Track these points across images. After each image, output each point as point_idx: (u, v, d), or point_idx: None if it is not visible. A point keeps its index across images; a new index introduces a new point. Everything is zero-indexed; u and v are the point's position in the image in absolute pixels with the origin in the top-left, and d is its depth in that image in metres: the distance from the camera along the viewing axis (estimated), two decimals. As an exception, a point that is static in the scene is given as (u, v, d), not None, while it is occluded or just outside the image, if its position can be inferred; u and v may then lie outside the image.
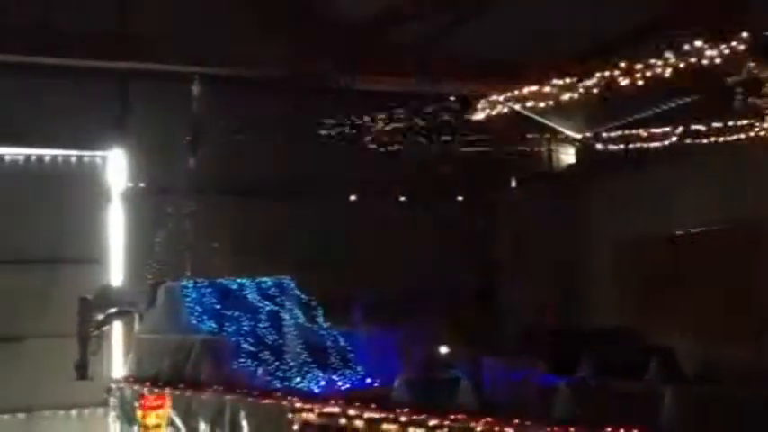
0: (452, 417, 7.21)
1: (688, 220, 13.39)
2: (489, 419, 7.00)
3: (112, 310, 11.90)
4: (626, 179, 14.31)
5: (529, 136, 13.48)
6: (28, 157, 14.07)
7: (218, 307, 10.61)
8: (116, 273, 14.17)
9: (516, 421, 6.79)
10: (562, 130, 14.95)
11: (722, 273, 12.53)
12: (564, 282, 15.46)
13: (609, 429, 6.18)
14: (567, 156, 17.14)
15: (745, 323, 12.17)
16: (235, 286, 11.06)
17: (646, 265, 14.02)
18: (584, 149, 15.95)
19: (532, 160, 16.85)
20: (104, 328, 12.17)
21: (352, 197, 16.10)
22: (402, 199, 16.34)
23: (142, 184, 14.62)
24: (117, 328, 13.53)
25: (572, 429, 6.41)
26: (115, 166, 14.52)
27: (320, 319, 10.90)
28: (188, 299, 10.61)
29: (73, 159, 14.33)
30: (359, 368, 10.12)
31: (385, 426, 7.59)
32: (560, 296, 15.05)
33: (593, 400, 7.53)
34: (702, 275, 12.78)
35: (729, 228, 12.61)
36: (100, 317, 11.78)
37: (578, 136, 16.11)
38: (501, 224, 16.82)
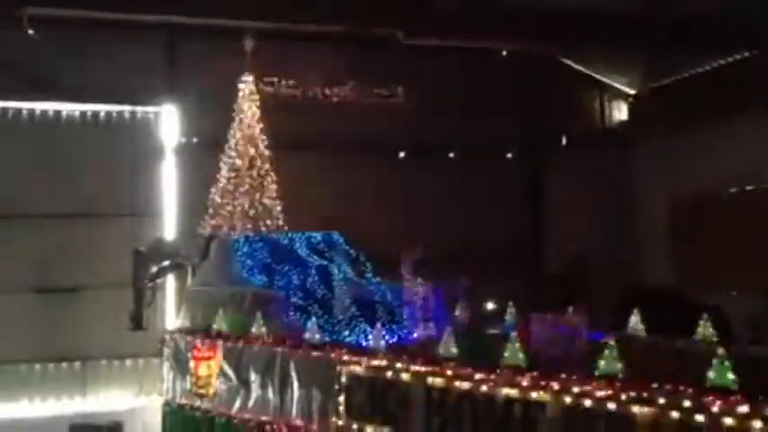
0: (498, 371, 7.27)
1: (740, 178, 13.11)
2: (535, 374, 7.04)
3: (166, 262, 12.15)
4: (678, 136, 14.04)
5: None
6: (83, 113, 14.33)
7: (269, 261, 10.77)
8: (169, 227, 14.46)
9: (562, 376, 6.81)
10: (615, 85, 14.69)
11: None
12: (616, 239, 15.32)
13: (655, 385, 6.18)
14: (620, 113, 16.88)
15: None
16: (285, 241, 11.21)
17: (698, 223, 13.80)
18: (636, 105, 15.69)
19: (585, 117, 16.65)
20: (158, 281, 12.43)
21: (402, 154, 16.14)
22: (451, 155, 16.31)
23: (195, 139, 14.83)
24: (170, 281, 13.86)
25: (618, 385, 6.41)
26: (168, 121, 14.72)
27: (369, 274, 10.99)
28: (239, 253, 10.79)
29: (126, 115, 14.57)
30: (406, 323, 10.20)
31: (431, 379, 7.67)
32: (612, 254, 14.93)
33: (639, 357, 7.51)
34: (756, 234, 12.55)
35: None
36: (154, 269, 12.04)
37: (631, 92, 15.85)
38: (552, 180, 16.67)
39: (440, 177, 15.85)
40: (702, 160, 13.63)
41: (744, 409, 5.66)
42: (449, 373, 7.55)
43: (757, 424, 5.55)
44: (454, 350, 7.85)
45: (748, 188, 13.04)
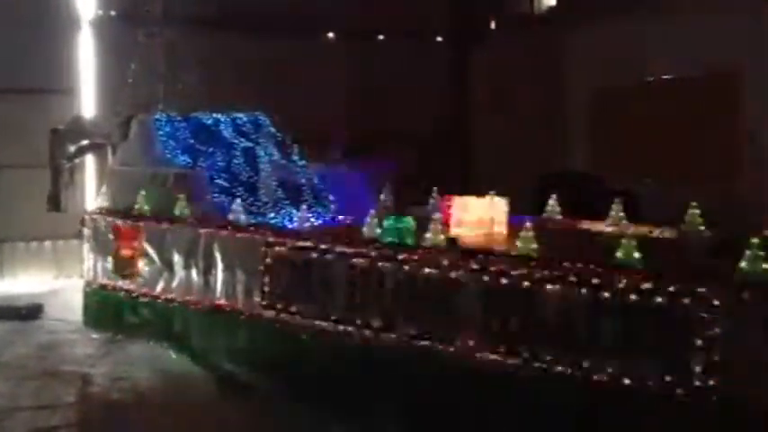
0: (421, 251, 7.46)
1: (663, 68, 13.34)
2: (455, 255, 7.26)
3: (85, 142, 11.83)
4: (605, 25, 14.11)
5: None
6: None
7: (192, 141, 10.60)
8: (88, 104, 13.98)
9: (481, 256, 7.05)
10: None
11: (693, 120, 12.69)
12: (538, 125, 15.52)
13: (567, 264, 6.46)
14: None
15: (711, 170, 12.45)
16: (209, 121, 11.02)
17: (618, 111, 14.09)
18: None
19: (514, 1, 16.51)
20: (77, 161, 12.13)
21: (330, 35, 15.82)
22: (381, 38, 16.07)
23: (113, 12, 14.18)
24: (90, 161, 13.54)
25: (533, 263, 6.68)
26: (84, -7, 14.01)
27: (295, 157, 10.95)
28: (161, 132, 10.58)
29: (40, -15, 13.76)
30: (332, 206, 10.29)
31: (355, 260, 7.83)
32: (534, 140, 15.16)
33: (555, 239, 7.81)
34: (673, 123, 12.93)
35: (702, 75, 12.64)
36: (72, 149, 11.72)
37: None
38: (479, 64, 16.65)
39: (368, 60, 15.65)
40: (625, 49, 13.75)
41: (647, 285, 5.99)
42: (372, 254, 7.71)
43: (659, 299, 5.90)
44: (378, 231, 8.01)
45: (666, 77, 13.31)
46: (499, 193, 8.95)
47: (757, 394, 5.37)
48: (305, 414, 7.65)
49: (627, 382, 6.03)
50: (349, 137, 13.34)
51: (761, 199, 11.21)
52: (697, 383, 5.61)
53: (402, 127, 14.74)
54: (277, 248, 8.45)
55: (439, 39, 16.52)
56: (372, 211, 8.34)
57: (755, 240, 5.85)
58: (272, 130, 11.26)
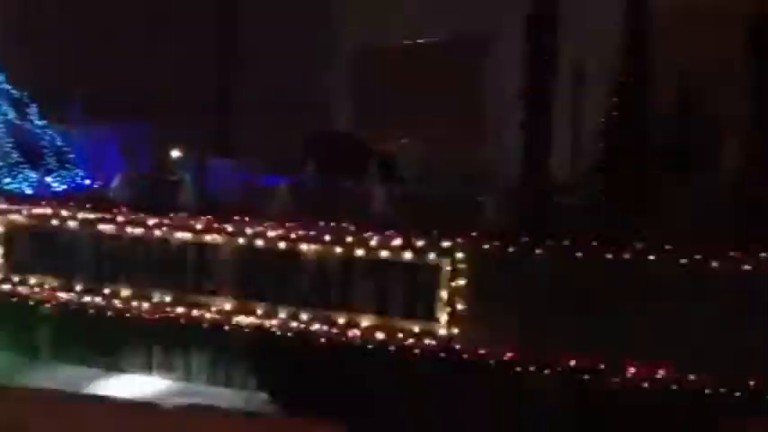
0: (172, 215, 7.13)
1: (418, 30, 13.74)
2: (209, 217, 7.02)
3: None
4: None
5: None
6: None
7: None
8: None
9: (236, 218, 6.86)
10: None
11: (447, 82, 13.21)
12: (298, 88, 15.41)
13: (322, 223, 6.46)
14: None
15: (464, 130, 13.08)
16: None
17: (378, 73, 14.36)
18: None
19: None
20: None
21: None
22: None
23: None
24: None
25: (288, 225, 6.61)
26: None
27: (33, 117, 10.02)
28: None
29: None
30: (77, 169, 9.56)
31: (101, 226, 7.34)
32: (294, 104, 15.04)
33: (309, 199, 7.78)
34: (428, 84, 13.39)
35: (453, 39, 13.18)
36: None
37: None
38: (246, 19, 16.04)
39: (121, 11, 14.53)
40: (386, 12, 13.98)
41: (398, 242, 6.13)
42: (120, 219, 7.27)
43: (408, 254, 6.07)
44: (126, 195, 7.56)
45: (421, 41, 13.74)
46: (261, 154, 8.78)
47: (496, 341, 5.67)
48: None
49: (380, 336, 6.16)
50: (98, 94, 12.37)
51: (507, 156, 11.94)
52: (442, 333, 5.84)
53: (161, 85, 13.94)
54: (12, 216, 7.71)
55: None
56: (122, 174, 7.85)
57: (493, 198, 6.16)
58: (7, 87, 10.22)
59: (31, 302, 7.56)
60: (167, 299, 7.06)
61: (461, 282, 5.82)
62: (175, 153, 11.24)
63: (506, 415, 5.56)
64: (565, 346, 5.37)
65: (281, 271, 6.60)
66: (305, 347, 6.45)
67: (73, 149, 9.70)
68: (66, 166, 9.53)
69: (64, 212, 7.47)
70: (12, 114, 9.85)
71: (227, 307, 6.78)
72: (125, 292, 7.17)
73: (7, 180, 8.90)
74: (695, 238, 5.42)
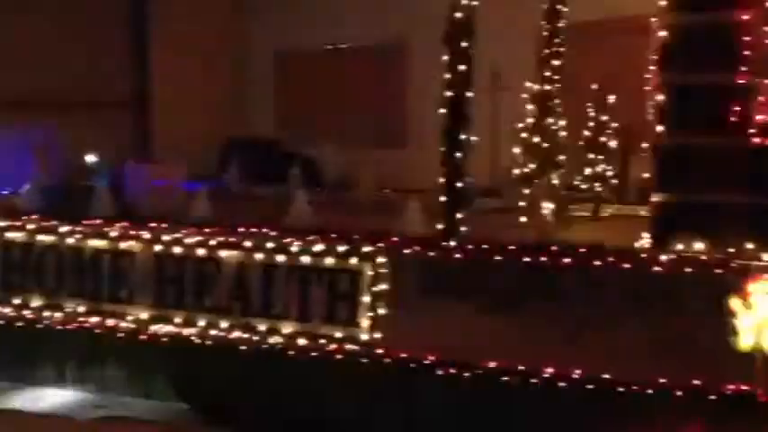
0: (85, 223, 6.93)
1: (345, 34, 13.72)
2: (125, 224, 6.84)
3: None
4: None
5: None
6: None
7: None
8: None
9: (152, 225, 6.71)
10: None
11: (372, 85, 13.28)
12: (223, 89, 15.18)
13: (242, 229, 6.37)
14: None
15: (390, 134, 13.16)
16: None
17: (298, 77, 14.29)
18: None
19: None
20: None
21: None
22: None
23: None
24: None
25: (207, 231, 6.49)
26: None
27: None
28: None
29: None
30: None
31: (10, 234, 7.08)
32: (217, 106, 14.81)
33: (230, 205, 7.69)
34: (347, 90, 13.40)
35: (378, 44, 13.23)
36: None
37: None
38: (157, 20, 15.72)
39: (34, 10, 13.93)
40: (306, 16, 13.91)
41: (320, 247, 6.08)
42: (30, 227, 7.02)
43: (329, 260, 6.03)
44: (38, 203, 7.31)
45: (342, 46, 13.71)
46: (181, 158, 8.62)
47: (418, 346, 5.68)
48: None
49: (303, 342, 6.09)
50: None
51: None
52: (364, 338, 5.81)
53: (71, 86, 13.43)
54: None
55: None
56: (32, 181, 7.59)
57: (415, 203, 6.17)
58: None
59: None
60: (81, 309, 6.85)
61: (383, 286, 5.82)
62: (90, 158, 10.94)
63: (423, 415, 5.61)
64: (485, 348, 5.43)
65: (200, 278, 6.47)
66: (224, 356, 6.33)
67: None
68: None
69: (-33, 221, 7.16)
70: None
71: (144, 316, 6.61)
72: (36, 302, 6.92)
73: None
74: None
